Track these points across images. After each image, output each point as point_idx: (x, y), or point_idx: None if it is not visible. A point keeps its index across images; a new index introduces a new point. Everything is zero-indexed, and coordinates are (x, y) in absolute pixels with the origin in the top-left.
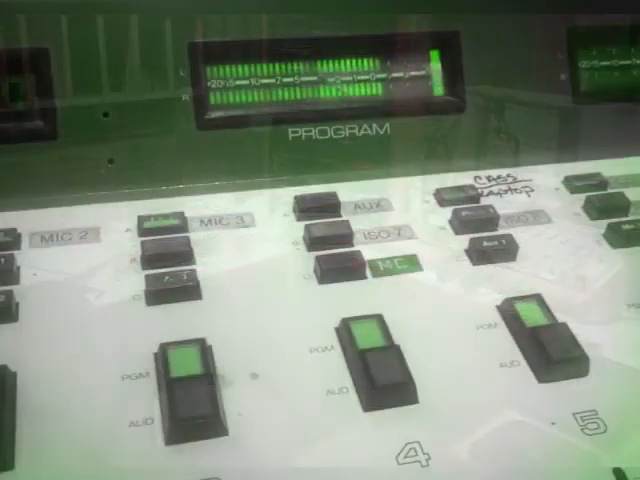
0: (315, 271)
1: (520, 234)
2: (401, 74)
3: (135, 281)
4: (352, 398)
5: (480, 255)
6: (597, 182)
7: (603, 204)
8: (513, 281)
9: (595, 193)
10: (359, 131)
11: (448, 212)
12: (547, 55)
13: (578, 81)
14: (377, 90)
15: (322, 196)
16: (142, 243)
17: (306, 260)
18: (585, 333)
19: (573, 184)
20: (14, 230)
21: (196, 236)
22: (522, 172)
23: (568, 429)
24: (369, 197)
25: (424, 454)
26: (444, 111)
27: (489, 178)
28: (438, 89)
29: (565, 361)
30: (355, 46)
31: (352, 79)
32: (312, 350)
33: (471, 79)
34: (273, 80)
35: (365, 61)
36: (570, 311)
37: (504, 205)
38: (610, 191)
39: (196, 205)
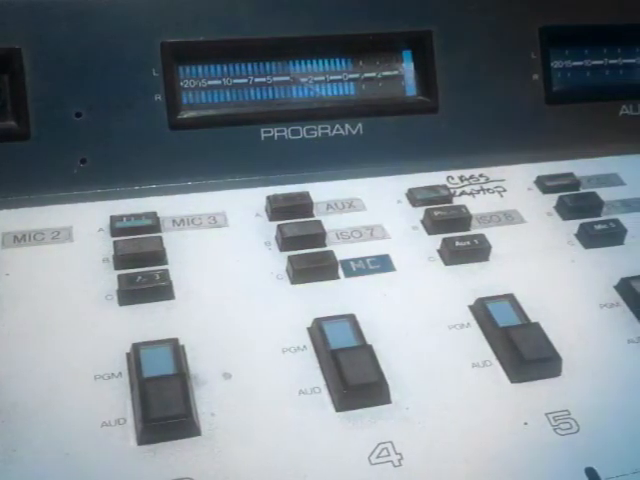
0: (287, 271)
1: (493, 234)
2: (374, 74)
3: (108, 281)
4: (324, 398)
5: (452, 255)
6: (569, 182)
7: (575, 204)
8: (485, 281)
9: (567, 193)
10: (332, 131)
11: (420, 212)
12: (520, 55)
13: (551, 81)
14: (350, 90)
15: (294, 196)
16: (115, 243)
17: (278, 260)
18: (557, 333)
19: (545, 184)
20: None
21: (169, 236)
22: (494, 172)
23: (540, 429)
24: (341, 197)
25: (396, 454)
26: (417, 111)
27: (462, 178)
28: (411, 89)
29: (537, 361)
30: (327, 46)
31: (324, 79)
32: (285, 350)
33: (444, 79)
34: (245, 80)
35: (337, 61)
36: (542, 311)
37: (477, 205)
38: (582, 191)
39: (169, 205)
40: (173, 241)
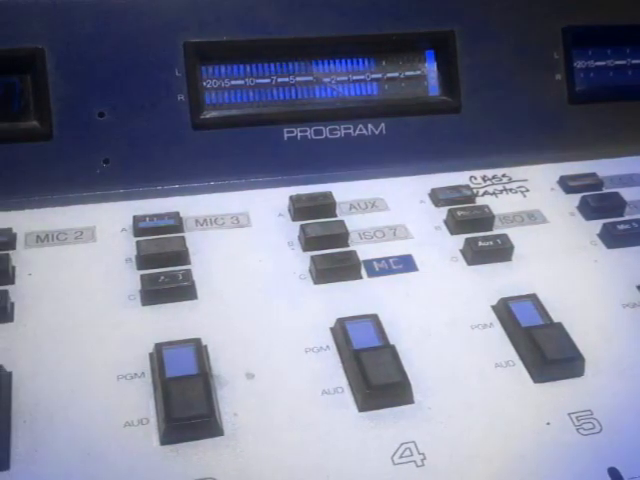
0: (310, 271)
1: (515, 234)
2: (396, 74)
3: (130, 281)
4: (347, 398)
5: (475, 255)
6: (592, 182)
7: (598, 204)
8: (508, 281)
9: (590, 193)
10: (354, 131)
11: (443, 212)
12: (542, 55)
13: (573, 81)
14: (372, 90)
15: (317, 196)
16: (137, 243)
17: (301, 260)
18: (580, 333)
19: (568, 184)
20: (9, 230)
21: (191, 236)
22: (517, 172)
23: (563, 429)
24: (364, 197)
25: (419, 454)
26: (440, 111)
27: (484, 178)
28: (434, 89)
29: (560, 361)
30: (350, 46)
31: (347, 79)
32: (307, 350)
33: (467, 79)
34: (268, 80)
35: (360, 61)
36: (565, 311)
37: (499, 205)
38: (605, 191)
39: (191, 205)
40: (196, 241)
